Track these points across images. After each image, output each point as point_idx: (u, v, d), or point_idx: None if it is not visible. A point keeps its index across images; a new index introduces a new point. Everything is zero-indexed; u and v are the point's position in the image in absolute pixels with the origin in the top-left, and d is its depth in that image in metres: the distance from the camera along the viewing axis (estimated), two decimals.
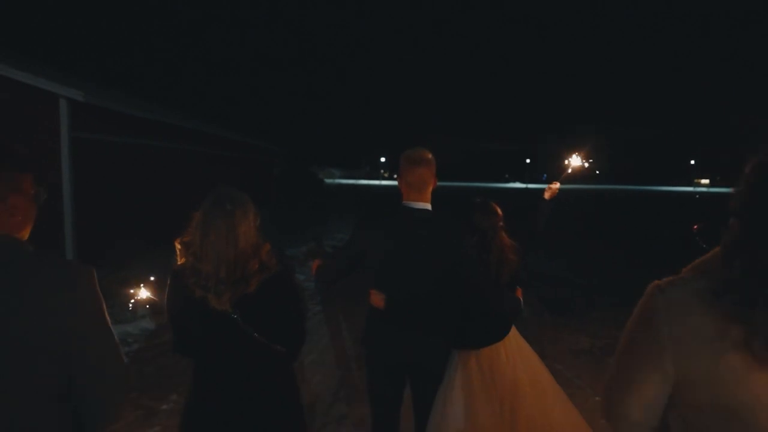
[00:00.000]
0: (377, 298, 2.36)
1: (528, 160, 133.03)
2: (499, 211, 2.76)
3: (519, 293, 2.72)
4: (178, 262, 1.76)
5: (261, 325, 1.71)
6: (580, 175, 3.29)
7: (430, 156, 2.46)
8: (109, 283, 4.51)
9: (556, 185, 3.13)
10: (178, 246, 1.76)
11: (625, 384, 1.17)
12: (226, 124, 21.84)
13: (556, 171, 3.39)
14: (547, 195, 3.10)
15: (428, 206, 2.45)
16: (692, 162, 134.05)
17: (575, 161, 3.26)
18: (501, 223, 2.72)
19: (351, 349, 5.38)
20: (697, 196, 18.93)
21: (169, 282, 1.78)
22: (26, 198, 1.30)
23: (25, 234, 1.33)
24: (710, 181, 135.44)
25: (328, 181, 77.79)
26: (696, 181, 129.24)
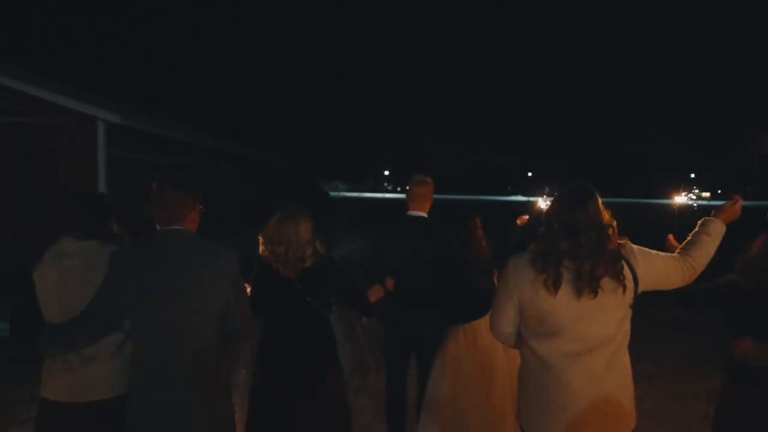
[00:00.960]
0: (389, 282, 3.19)
1: (530, 174, 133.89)
2: (479, 221, 3.61)
3: (495, 276, 3.53)
4: (260, 251, 2.59)
5: (313, 293, 2.51)
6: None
7: (429, 180, 3.37)
8: None
9: (526, 217, 4.01)
10: (260, 239, 2.59)
11: (497, 311, 2.17)
12: (237, 139, 22.74)
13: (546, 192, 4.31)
14: (518, 222, 4.01)
15: (424, 214, 3.35)
16: (692, 175, 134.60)
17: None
18: (480, 230, 3.55)
19: (363, 336, 6.18)
20: (695, 207, 19.75)
21: (255, 263, 2.60)
22: (198, 212, 2.19)
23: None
24: (711, 194, 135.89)
25: (333, 193, 78.81)
26: (696, 192, 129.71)
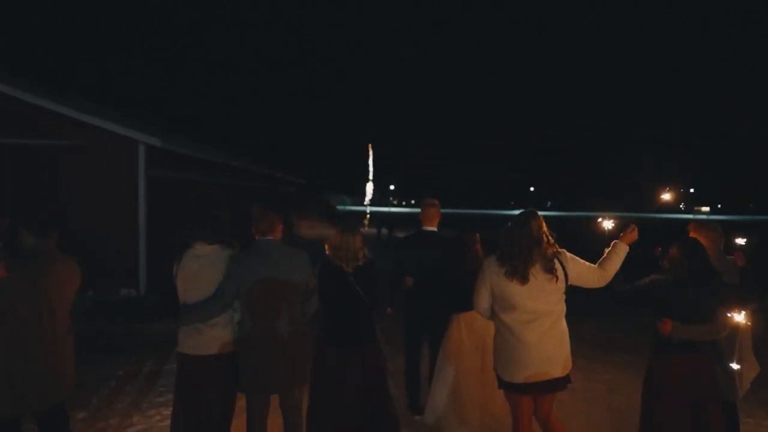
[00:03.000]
0: (408, 281, 4.16)
1: (532, 188, 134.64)
2: (478, 236, 4.42)
3: None
4: (326, 252, 3.44)
5: (362, 284, 3.36)
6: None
7: (436, 202, 4.39)
8: None
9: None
10: (327, 245, 3.44)
11: (478, 293, 3.06)
12: (255, 158, 23.70)
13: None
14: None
15: (435, 229, 4.37)
16: (692, 190, 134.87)
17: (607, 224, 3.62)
18: (477, 244, 4.35)
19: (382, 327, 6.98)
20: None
21: (321, 262, 3.42)
22: (281, 226, 3.10)
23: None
24: (710, 209, 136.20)
25: (340, 207, 79.62)
26: (696, 208, 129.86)
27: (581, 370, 5.97)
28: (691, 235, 3.58)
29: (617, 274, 3.22)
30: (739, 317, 3.12)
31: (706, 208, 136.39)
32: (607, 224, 3.55)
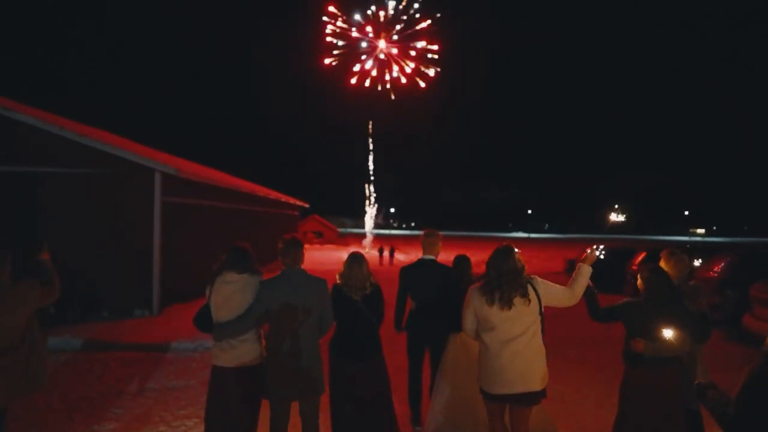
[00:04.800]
0: (411, 303, 4.55)
1: (530, 211, 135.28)
2: (471, 263, 4.86)
3: None
4: (337, 282, 3.84)
5: (370, 308, 3.76)
6: None
7: (437, 233, 4.80)
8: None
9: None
10: (337, 275, 3.85)
11: (464, 316, 3.47)
12: (261, 181, 24.23)
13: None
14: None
15: (434, 257, 4.80)
16: (686, 213, 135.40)
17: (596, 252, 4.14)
18: (472, 268, 4.79)
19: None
20: (688, 246, 20.88)
21: (332, 289, 3.81)
22: (303, 256, 3.51)
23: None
24: (705, 230, 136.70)
25: (341, 230, 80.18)
26: (691, 230, 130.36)
27: (572, 383, 6.33)
28: (661, 262, 4.00)
29: (590, 304, 3.71)
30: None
31: (701, 230, 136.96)
32: (597, 252, 3.95)
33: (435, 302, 4.63)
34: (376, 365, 3.90)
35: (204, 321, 3.57)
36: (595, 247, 3.92)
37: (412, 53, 34.10)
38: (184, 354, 7.79)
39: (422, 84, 34.18)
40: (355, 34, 34.12)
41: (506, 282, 3.36)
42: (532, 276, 3.51)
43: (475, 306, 3.45)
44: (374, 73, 35.22)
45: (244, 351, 3.48)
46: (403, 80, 34.57)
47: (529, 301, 3.37)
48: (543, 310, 3.47)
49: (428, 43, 33.61)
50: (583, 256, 3.74)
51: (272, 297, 3.49)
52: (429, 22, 33.21)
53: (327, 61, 33.79)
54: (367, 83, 35.42)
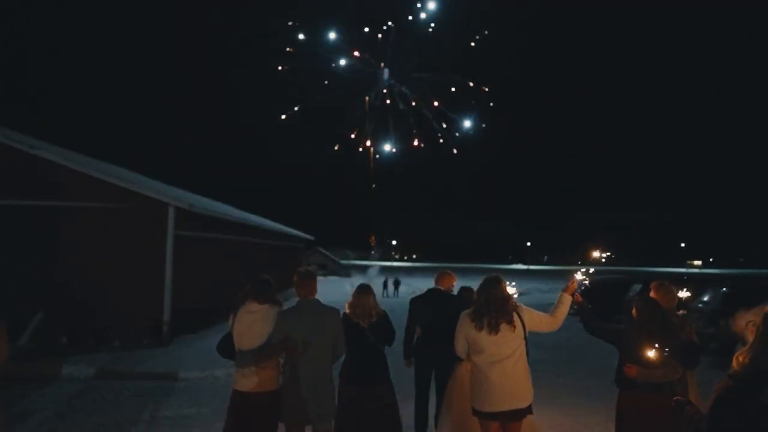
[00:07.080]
0: (419, 330, 4.78)
1: (528, 243, 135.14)
2: (474, 291, 5.04)
3: None
4: (347, 311, 4.05)
5: (375, 335, 3.96)
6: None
7: (449, 272, 5.15)
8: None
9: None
10: (347, 304, 4.06)
11: (456, 341, 3.71)
12: (267, 214, 24.48)
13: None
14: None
15: (443, 288, 5.07)
16: (682, 245, 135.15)
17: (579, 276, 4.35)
18: (475, 296, 4.98)
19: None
20: (685, 277, 20.82)
21: (342, 318, 3.98)
22: (316, 286, 3.69)
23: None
24: (702, 262, 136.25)
25: (344, 262, 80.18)
26: (688, 262, 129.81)
27: (569, 414, 6.42)
28: (652, 293, 4.20)
29: (584, 316, 3.96)
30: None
31: (698, 262, 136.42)
32: (580, 277, 4.22)
33: (441, 329, 4.78)
34: (385, 391, 4.06)
35: (226, 348, 3.75)
36: (580, 272, 4.21)
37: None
38: (194, 383, 7.87)
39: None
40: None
41: (494, 309, 3.62)
42: (518, 305, 3.79)
43: (465, 330, 3.71)
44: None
45: (264, 377, 3.64)
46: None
47: (514, 327, 3.63)
48: (527, 335, 3.72)
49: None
50: (569, 285, 4.00)
51: (290, 326, 3.67)
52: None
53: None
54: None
